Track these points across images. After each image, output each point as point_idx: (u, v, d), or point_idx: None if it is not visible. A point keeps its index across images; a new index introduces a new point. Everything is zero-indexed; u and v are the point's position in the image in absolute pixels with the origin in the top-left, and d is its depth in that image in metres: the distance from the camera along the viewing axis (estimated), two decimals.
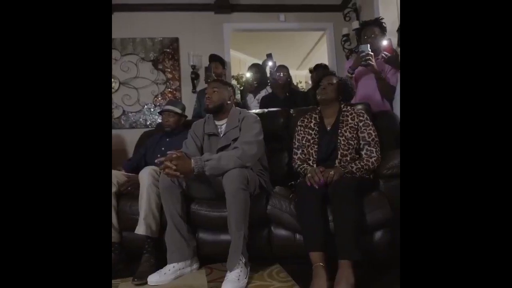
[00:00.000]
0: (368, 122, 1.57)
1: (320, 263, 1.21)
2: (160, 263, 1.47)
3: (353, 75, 1.98)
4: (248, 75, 2.88)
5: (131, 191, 1.70)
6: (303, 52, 5.66)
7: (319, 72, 2.50)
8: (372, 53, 1.85)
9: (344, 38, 3.32)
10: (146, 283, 1.37)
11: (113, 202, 1.62)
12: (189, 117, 2.56)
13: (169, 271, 1.41)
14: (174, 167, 1.36)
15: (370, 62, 1.84)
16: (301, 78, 6.12)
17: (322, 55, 4.31)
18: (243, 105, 2.63)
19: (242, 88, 3.30)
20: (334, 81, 1.63)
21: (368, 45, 1.87)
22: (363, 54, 1.84)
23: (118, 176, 1.72)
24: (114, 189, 1.64)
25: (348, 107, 1.65)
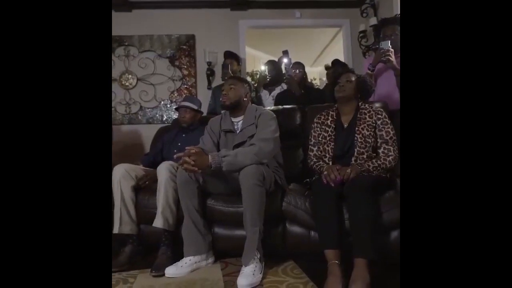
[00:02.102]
0: (387, 120, 1.55)
1: (335, 261, 1.21)
2: (176, 256, 1.51)
3: (373, 72, 1.96)
4: (263, 68, 2.89)
5: (149, 185, 1.74)
6: (317, 49, 5.61)
7: (337, 69, 2.47)
8: (392, 50, 1.82)
9: (361, 35, 3.27)
10: (163, 274, 1.40)
11: (132, 195, 1.67)
12: (205, 114, 2.59)
13: (186, 264, 1.44)
14: (192, 162, 1.39)
15: (389, 58, 1.82)
16: (315, 75, 6.07)
17: (338, 52, 4.25)
18: (257, 101, 2.63)
19: (256, 84, 3.31)
20: (353, 79, 1.61)
21: (389, 42, 1.84)
22: (383, 50, 1.82)
23: (136, 170, 1.76)
24: (132, 183, 1.68)
25: (366, 104, 1.63)
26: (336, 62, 2.80)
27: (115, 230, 1.59)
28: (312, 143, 1.67)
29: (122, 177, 1.65)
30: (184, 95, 3.12)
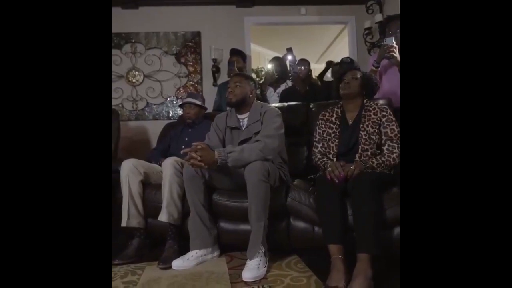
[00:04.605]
0: (391, 117, 1.56)
1: (339, 256, 1.23)
2: (183, 249, 1.54)
3: (378, 69, 1.96)
4: (270, 66, 2.89)
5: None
6: (322, 46, 5.58)
7: (343, 66, 2.47)
8: (396, 46, 1.82)
9: (366, 32, 3.26)
10: (170, 267, 1.44)
11: (139, 190, 1.70)
12: (210, 110, 2.62)
13: (192, 257, 1.47)
14: (198, 158, 1.42)
15: (393, 54, 1.82)
16: (320, 71, 6.04)
17: (343, 49, 4.25)
18: (262, 98, 2.64)
19: (262, 81, 3.31)
20: (358, 76, 1.62)
21: (393, 38, 1.84)
22: (387, 46, 1.82)
23: (143, 165, 1.79)
24: (140, 177, 1.72)
25: (371, 101, 1.64)
26: (342, 61, 2.79)
27: (123, 223, 1.63)
28: (316, 139, 1.68)
29: (130, 172, 1.69)
30: (189, 92, 3.15)
